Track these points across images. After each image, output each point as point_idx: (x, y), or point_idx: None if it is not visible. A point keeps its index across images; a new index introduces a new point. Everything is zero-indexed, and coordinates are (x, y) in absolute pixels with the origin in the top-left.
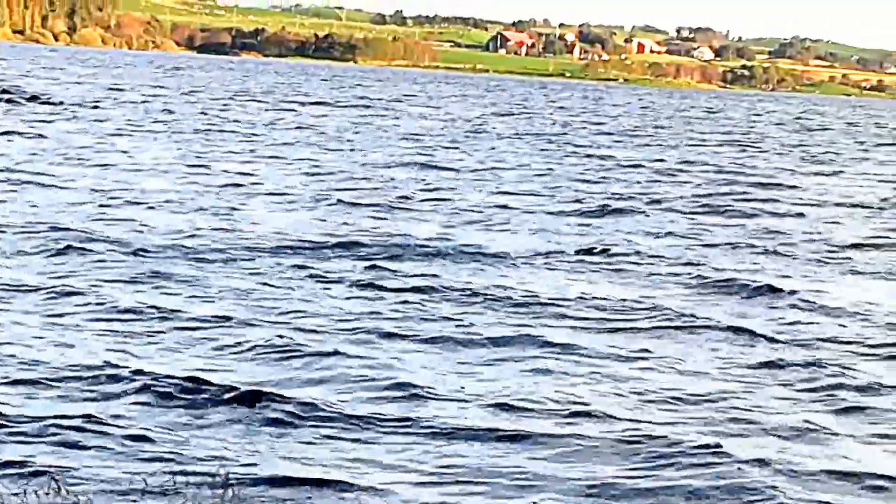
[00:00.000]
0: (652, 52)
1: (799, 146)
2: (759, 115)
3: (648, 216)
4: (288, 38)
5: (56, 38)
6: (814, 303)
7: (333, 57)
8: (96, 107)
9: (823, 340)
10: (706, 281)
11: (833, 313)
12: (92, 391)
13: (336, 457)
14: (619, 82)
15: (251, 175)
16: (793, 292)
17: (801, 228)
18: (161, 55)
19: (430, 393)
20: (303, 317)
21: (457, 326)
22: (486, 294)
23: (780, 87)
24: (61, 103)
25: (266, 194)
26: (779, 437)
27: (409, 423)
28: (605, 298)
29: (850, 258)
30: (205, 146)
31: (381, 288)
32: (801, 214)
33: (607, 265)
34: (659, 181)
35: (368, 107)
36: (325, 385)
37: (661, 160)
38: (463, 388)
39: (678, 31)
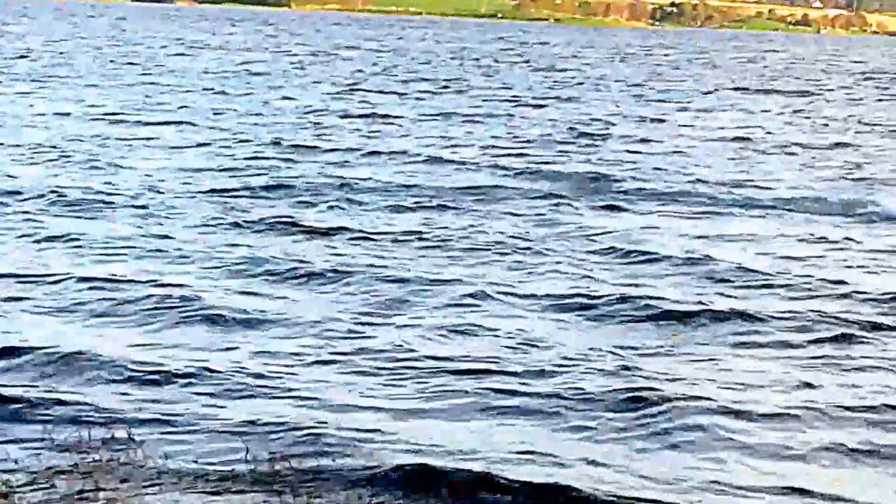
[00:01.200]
0: None
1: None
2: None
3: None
4: None
5: None
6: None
7: (268, 3)
8: None
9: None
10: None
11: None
12: None
13: None
14: (549, 22)
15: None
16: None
17: (630, 174)
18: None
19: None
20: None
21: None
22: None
23: (709, 24)
24: None
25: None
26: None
27: None
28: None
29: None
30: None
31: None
32: (629, 161)
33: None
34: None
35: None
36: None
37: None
38: None
39: None
